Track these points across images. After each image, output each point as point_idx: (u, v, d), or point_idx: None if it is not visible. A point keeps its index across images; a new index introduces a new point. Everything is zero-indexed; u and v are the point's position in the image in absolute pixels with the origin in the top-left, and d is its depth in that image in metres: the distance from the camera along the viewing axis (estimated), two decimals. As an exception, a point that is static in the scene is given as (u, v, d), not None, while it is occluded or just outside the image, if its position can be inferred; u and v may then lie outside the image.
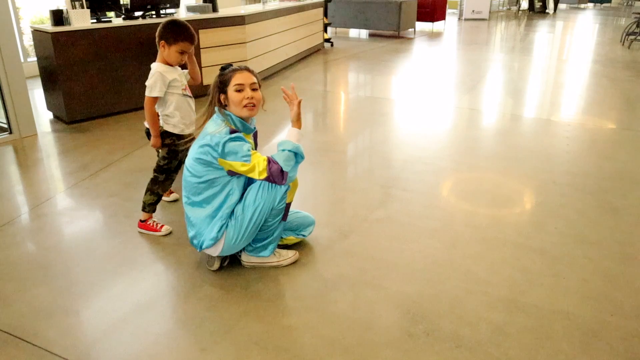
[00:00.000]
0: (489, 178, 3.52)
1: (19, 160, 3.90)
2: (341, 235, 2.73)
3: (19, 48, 5.38)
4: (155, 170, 2.75)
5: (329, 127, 4.81)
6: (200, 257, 2.51)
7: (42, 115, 4.94)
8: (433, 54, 8.87)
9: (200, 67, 4.76)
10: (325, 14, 9.51)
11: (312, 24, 8.41)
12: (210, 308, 2.14)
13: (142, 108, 2.68)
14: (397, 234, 2.74)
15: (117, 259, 2.51)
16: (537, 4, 17.50)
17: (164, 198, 3.03)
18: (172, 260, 2.50)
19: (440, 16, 12.65)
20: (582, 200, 3.14)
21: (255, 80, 2.23)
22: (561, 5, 19.83)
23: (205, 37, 5.52)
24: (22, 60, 6.19)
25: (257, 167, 2.12)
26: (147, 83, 2.58)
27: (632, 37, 9.51)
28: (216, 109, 2.25)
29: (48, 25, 4.56)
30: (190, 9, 5.86)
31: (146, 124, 2.68)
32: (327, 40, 9.64)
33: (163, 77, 2.58)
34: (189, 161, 2.26)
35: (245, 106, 2.20)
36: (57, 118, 4.87)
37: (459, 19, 15.27)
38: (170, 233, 2.75)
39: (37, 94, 5.65)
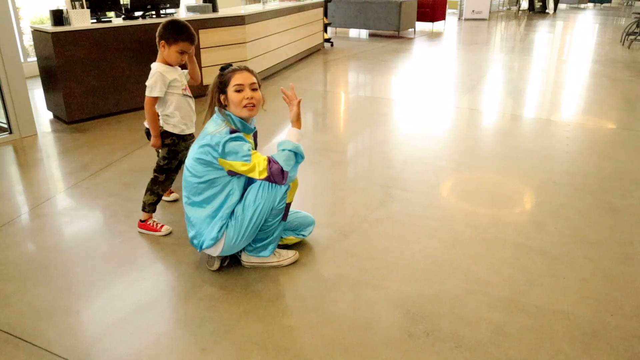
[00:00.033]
0: (489, 178, 3.52)
1: (19, 160, 3.90)
2: (341, 235, 2.73)
3: (19, 48, 5.38)
4: (155, 170, 2.75)
5: (329, 127, 4.81)
6: (200, 257, 2.51)
7: (42, 115, 4.95)
8: (433, 54, 8.87)
9: (200, 67, 4.75)
10: (325, 14, 9.51)
11: (312, 24, 8.41)
12: (210, 308, 2.14)
13: (142, 108, 2.68)
14: (397, 234, 2.74)
15: (117, 259, 2.51)
16: (537, 4, 17.50)
17: (164, 198, 3.03)
18: (172, 260, 2.50)
19: (440, 16, 12.65)
20: (582, 200, 3.14)
21: (255, 80, 2.23)
22: (561, 5, 19.83)
23: (205, 37, 5.52)
24: (22, 60, 6.19)
25: (258, 166, 2.12)
26: (147, 83, 2.59)
27: (632, 37, 9.51)
28: (216, 109, 2.25)
29: (48, 25, 4.56)
30: (190, 9, 5.86)
31: (146, 124, 2.68)
32: (327, 40, 9.64)
33: (163, 77, 2.58)
34: (189, 161, 2.26)
35: (245, 106, 2.20)
36: (57, 118, 4.87)
37: (459, 19, 15.28)
38: (170, 233, 2.75)
39: (37, 94, 5.65)
